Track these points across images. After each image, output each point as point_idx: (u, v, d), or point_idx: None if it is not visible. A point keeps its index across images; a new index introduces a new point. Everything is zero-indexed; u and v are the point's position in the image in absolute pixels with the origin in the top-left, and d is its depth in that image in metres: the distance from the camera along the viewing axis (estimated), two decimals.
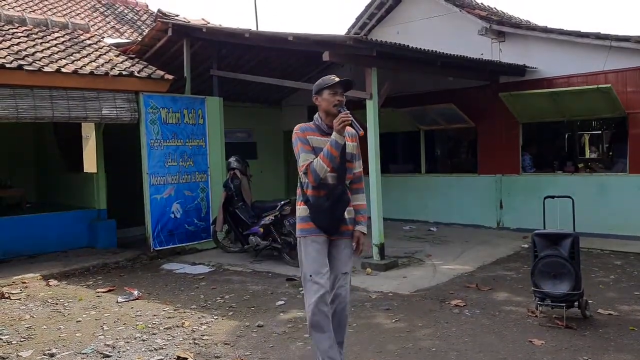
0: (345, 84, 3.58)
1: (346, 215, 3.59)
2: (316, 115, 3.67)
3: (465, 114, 9.70)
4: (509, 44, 9.50)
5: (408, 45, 7.25)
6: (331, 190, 3.52)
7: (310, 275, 3.49)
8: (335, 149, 3.43)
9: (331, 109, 3.53)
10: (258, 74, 9.86)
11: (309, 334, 3.59)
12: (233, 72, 9.59)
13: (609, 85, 7.95)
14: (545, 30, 9.05)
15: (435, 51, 7.69)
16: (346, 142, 3.56)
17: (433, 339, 4.37)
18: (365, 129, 7.55)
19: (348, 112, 3.46)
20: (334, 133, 3.44)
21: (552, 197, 5.38)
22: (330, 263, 3.62)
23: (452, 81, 9.46)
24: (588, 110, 8.77)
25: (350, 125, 3.48)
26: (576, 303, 4.64)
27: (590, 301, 4.97)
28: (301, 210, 3.61)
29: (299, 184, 3.64)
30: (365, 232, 3.72)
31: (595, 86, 8.05)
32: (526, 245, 7.94)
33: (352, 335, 4.50)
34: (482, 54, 9.34)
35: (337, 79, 3.57)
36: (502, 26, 9.49)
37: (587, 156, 13.86)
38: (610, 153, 9.04)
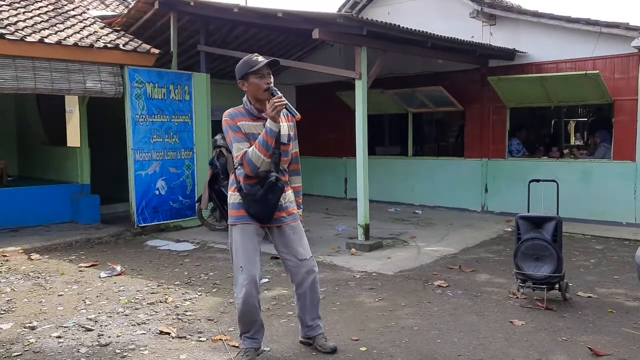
0: (272, 64, 3.31)
1: (282, 201, 3.43)
2: (245, 99, 3.40)
3: (454, 97, 9.67)
4: (499, 28, 9.46)
5: (399, 25, 7.18)
6: (265, 177, 3.31)
7: (241, 266, 3.34)
8: (271, 137, 3.21)
9: (261, 94, 3.29)
10: (246, 51, 9.72)
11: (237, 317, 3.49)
12: (221, 49, 9.46)
13: (597, 71, 7.97)
14: (536, 14, 9.01)
15: (426, 32, 7.63)
16: (281, 124, 3.31)
17: (415, 318, 4.42)
18: (352, 111, 7.56)
19: (281, 95, 3.21)
20: (268, 120, 3.21)
21: (537, 180, 5.44)
22: (284, 251, 3.51)
23: (441, 64, 9.42)
24: (575, 96, 8.80)
25: (285, 109, 3.25)
26: (557, 285, 4.70)
27: (570, 284, 5.04)
28: (234, 197, 3.43)
29: (232, 170, 3.46)
30: (301, 214, 3.64)
31: (584, 72, 8.06)
32: (509, 229, 8.01)
33: (335, 313, 4.52)
34: (472, 37, 9.29)
35: (260, 59, 3.28)
36: (493, 9, 9.43)
37: (573, 142, 13.99)
38: (595, 139, 9.12)
